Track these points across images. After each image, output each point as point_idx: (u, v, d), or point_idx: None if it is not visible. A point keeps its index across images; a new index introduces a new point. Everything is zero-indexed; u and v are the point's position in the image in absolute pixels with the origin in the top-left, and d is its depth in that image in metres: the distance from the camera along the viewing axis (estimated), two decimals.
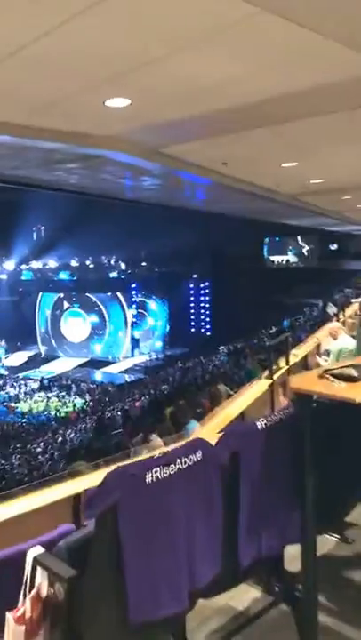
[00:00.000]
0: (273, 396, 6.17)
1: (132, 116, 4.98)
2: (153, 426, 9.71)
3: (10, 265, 39.43)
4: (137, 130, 5.95)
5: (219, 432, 2.53)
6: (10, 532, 3.07)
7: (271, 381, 6.10)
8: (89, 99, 4.35)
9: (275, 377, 6.13)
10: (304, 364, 7.82)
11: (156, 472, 1.94)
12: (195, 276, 38.49)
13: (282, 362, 6.99)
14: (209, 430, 4.63)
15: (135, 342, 38.59)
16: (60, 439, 22.26)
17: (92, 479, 4.01)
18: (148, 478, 1.92)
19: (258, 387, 6.22)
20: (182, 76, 3.96)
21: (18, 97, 4.34)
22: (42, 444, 22.38)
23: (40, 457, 19.83)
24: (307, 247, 34.08)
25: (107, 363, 37.39)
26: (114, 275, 40.27)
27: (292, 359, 7.25)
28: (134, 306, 38.60)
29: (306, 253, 34.13)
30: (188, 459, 2.06)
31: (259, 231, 31.51)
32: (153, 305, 39.76)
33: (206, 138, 6.05)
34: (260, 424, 2.40)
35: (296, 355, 7.75)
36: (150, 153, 7.17)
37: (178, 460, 2.03)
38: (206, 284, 38.42)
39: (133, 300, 38.49)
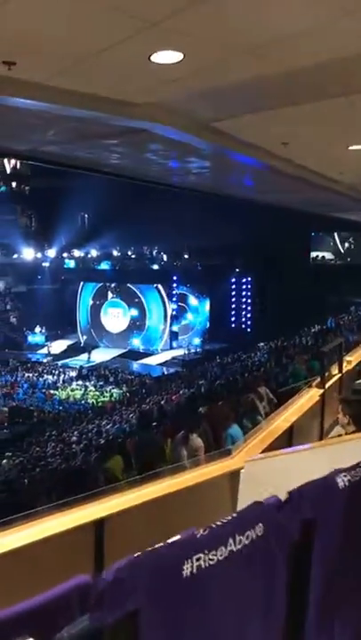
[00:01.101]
0: (323, 408, 5.47)
1: (182, 76, 4.18)
2: (188, 424, 9.12)
3: (52, 253, 39.38)
4: (187, 96, 5.17)
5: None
6: (20, 565, 2.51)
7: (322, 391, 5.40)
8: (131, 51, 3.53)
9: (326, 385, 5.43)
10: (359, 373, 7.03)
11: (198, 560, 1.27)
12: (237, 270, 37.59)
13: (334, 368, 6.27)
14: (254, 447, 3.98)
15: (174, 335, 38.03)
16: (95, 429, 21.94)
17: (120, 501, 3.39)
18: (186, 570, 1.25)
19: (308, 397, 5.53)
20: (249, 23, 3.16)
21: (44, 49, 3.56)
22: (77, 432, 22.14)
23: (74, 446, 19.52)
24: (347, 243, 33.01)
25: (145, 354, 36.98)
26: (155, 266, 39.73)
27: (346, 366, 6.50)
28: (175, 298, 37.97)
29: (346, 249, 33.05)
30: (244, 536, 1.39)
31: (305, 225, 30.37)
32: (193, 298, 39.08)
33: (268, 110, 5.24)
34: (342, 481, 1.68)
35: (350, 361, 6.98)
36: (200, 128, 6.41)
37: (230, 541, 1.35)
38: (248, 278, 37.45)
39: (174, 292, 37.87)
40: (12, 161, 34.79)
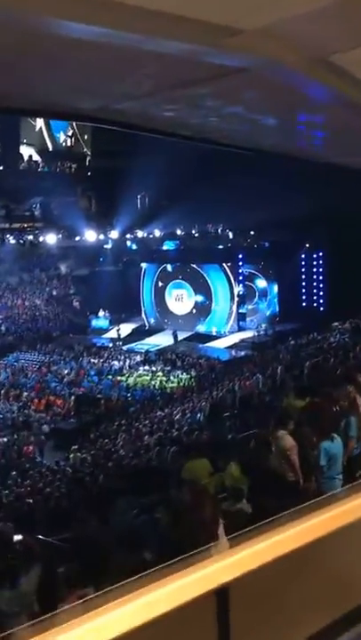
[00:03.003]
0: None
1: None
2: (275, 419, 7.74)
3: (114, 234, 38.52)
4: (306, 16, 3.76)
5: None
6: None
7: None
8: None
9: None
10: None
11: None
12: (307, 245, 35.54)
13: None
14: None
15: (242, 316, 36.48)
16: (166, 420, 20.94)
17: (246, 555, 2.19)
18: None
19: None
20: None
21: None
22: (147, 422, 21.24)
23: (146, 437, 18.56)
24: None
25: (212, 337, 35.68)
26: (220, 245, 38.12)
27: None
28: (241, 278, 36.32)
29: None
30: None
31: None
32: (261, 277, 37.36)
33: None
34: None
35: None
36: (313, 62, 4.92)
37: None
38: (320, 254, 35.34)
39: (240, 271, 36.20)
40: (70, 133, 33.98)
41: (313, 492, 6.46)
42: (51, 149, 34.40)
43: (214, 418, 15.64)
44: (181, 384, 28.02)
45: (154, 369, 30.68)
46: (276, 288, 36.96)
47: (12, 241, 34.47)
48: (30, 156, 32.08)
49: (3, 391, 27.19)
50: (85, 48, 4.10)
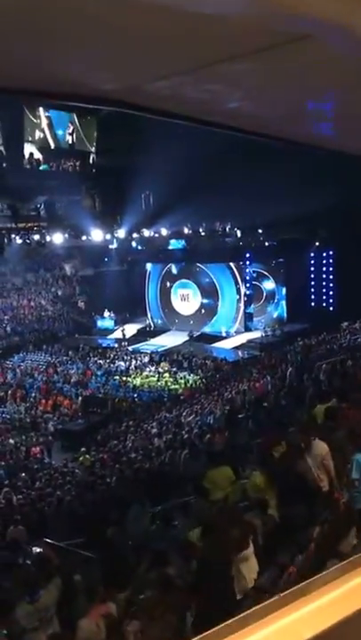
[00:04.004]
0: None
1: None
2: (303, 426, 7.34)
3: (120, 234, 38.10)
4: None
5: None
6: None
7: None
8: None
9: None
10: None
11: None
12: (317, 243, 35.08)
13: None
14: None
15: (249, 316, 36.05)
16: (175, 421, 20.54)
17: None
18: None
19: None
20: None
21: None
22: (156, 423, 20.85)
23: (156, 440, 18.17)
24: None
25: (218, 337, 35.25)
26: (227, 243, 37.63)
27: None
28: (248, 277, 35.88)
29: None
30: None
31: None
32: (269, 276, 36.91)
33: None
34: None
35: None
36: None
37: None
38: (330, 252, 34.87)
39: (248, 270, 35.76)
40: (71, 129, 33.47)
41: (345, 505, 6.10)
42: (53, 147, 33.97)
43: (233, 422, 15.18)
44: (188, 385, 27.64)
45: (160, 369, 30.33)
46: (284, 288, 36.53)
47: (19, 240, 34.02)
48: (31, 154, 31.63)
49: (10, 391, 26.84)
50: (120, 14, 3.63)
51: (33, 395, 26.61)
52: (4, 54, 4.01)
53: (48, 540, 9.39)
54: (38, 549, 7.92)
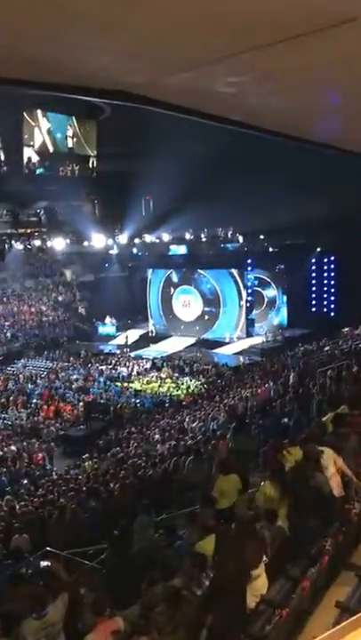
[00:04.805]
0: None
1: None
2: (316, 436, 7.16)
3: (122, 239, 38.05)
4: None
5: None
6: None
7: None
8: None
9: None
10: None
11: None
12: (318, 249, 35.05)
13: None
14: None
15: (250, 322, 35.99)
16: (177, 427, 20.41)
17: None
18: None
19: None
20: None
21: None
22: (158, 430, 20.72)
23: (159, 447, 18.03)
24: None
25: (220, 343, 35.17)
26: (229, 249, 37.59)
27: None
28: (250, 283, 35.85)
29: None
30: None
31: None
32: (270, 282, 36.85)
33: None
34: None
35: None
36: None
37: None
38: (332, 258, 34.85)
39: (249, 276, 35.73)
40: (71, 133, 33.29)
41: (358, 516, 5.97)
42: (52, 151, 33.83)
43: (237, 429, 15.01)
44: (189, 390, 27.52)
45: (162, 375, 30.23)
46: (285, 293, 36.47)
47: (19, 246, 33.93)
48: (30, 158, 31.51)
49: (12, 398, 26.70)
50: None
51: (34, 401, 26.47)
52: (19, 44, 3.50)
53: (53, 551, 9.24)
54: (45, 562, 7.77)
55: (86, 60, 4.09)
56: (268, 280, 36.83)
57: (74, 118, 32.77)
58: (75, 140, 33.78)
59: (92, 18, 3.25)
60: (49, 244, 35.47)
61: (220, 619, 4.24)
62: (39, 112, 30.27)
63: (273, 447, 7.34)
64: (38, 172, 32.19)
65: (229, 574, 4.48)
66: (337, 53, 3.93)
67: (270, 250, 36.42)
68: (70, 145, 34.37)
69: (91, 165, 36.29)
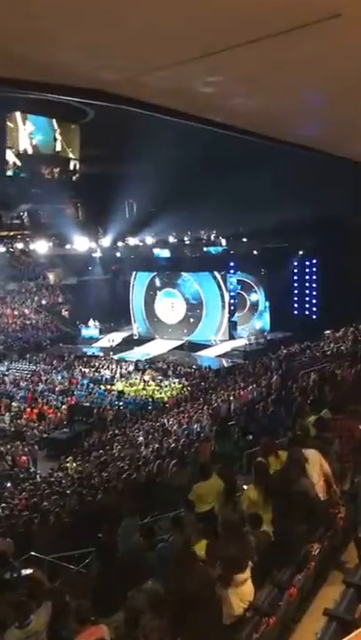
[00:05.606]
0: None
1: None
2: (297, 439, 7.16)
3: (105, 242, 38.06)
4: None
5: None
6: None
7: None
8: None
9: None
10: None
11: None
12: (300, 252, 35.37)
13: None
14: None
15: (233, 325, 36.22)
16: (161, 429, 20.52)
17: None
18: None
19: None
20: None
21: None
22: (142, 432, 20.81)
23: (143, 450, 18.11)
24: None
25: (203, 346, 35.33)
26: (212, 252, 37.78)
27: None
28: (232, 286, 36.07)
29: None
30: None
31: None
32: (253, 285, 37.13)
33: None
34: None
35: None
36: None
37: None
38: (314, 261, 35.17)
39: (232, 279, 35.96)
40: (53, 136, 33.22)
41: (346, 519, 5.95)
42: (32, 153, 33.65)
43: (220, 432, 15.10)
44: (173, 393, 27.62)
45: (145, 378, 30.31)
46: (268, 295, 36.72)
47: (1, 249, 33.80)
48: (11, 161, 31.37)
49: None
50: None
51: (17, 404, 26.37)
52: None
53: (37, 555, 9.23)
54: (29, 570, 7.66)
55: (59, 56, 3.90)
56: (251, 283, 37.09)
57: (55, 121, 32.75)
58: (57, 142, 33.74)
59: (66, 12, 3.13)
60: (32, 246, 35.39)
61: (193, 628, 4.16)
62: (20, 115, 30.20)
63: (264, 447, 7.16)
64: (21, 174, 32.10)
65: (200, 580, 4.47)
66: (320, 51, 3.84)
67: (253, 253, 36.65)
68: (53, 148, 34.32)
69: (73, 168, 36.27)
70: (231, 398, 21.76)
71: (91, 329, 37.89)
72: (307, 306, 36.17)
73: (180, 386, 28.74)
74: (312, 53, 3.87)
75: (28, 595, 5.96)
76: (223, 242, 37.95)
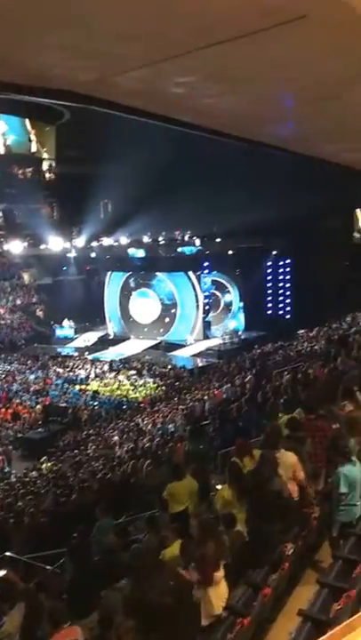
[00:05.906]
0: None
1: None
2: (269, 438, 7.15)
3: (79, 242, 37.91)
4: None
5: None
6: None
7: None
8: None
9: None
10: None
11: None
12: (274, 252, 35.71)
13: None
14: None
15: (207, 325, 36.38)
16: (135, 429, 20.55)
17: None
18: None
19: None
20: None
21: None
22: (116, 432, 20.81)
23: (117, 449, 18.12)
24: None
25: (177, 346, 35.41)
26: (186, 252, 37.90)
27: None
28: (207, 286, 36.24)
29: None
30: None
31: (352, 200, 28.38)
32: (227, 285, 37.36)
33: None
34: None
35: None
36: None
37: None
38: (287, 261, 35.56)
39: (206, 279, 36.13)
40: (27, 136, 32.97)
41: (320, 519, 5.99)
42: (8, 154, 33.39)
43: (194, 431, 15.16)
44: (147, 393, 27.67)
45: (120, 377, 30.29)
46: (242, 295, 36.99)
47: None
48: None
49: None
50: None
51: None
52: None
53: (12, 555, 9.20)
54: (1, 572, 7.54)
55: (31, 57, 3.89)
56: (225, 283, 37.31)
57: (30, 122, 32.56)
58: (32, 143, 33.58)
59: (38, 14, 3.10)
60: (6, 246, 35.10)
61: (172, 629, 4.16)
62: None
63: (238, 448, 7.08)
64: None
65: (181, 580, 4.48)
66: (287, 52, 3.92)
67: (227, 253, 36.88)
68: (28, 148, 34.16)
69: (49, 168, 36.13)
70: (205, 398, 21.87)
71: (65, 329, 37.72)
72: (280, 306, 36.55)
73: (155, 385, 28.80)
74: (281, 54, 4.01)
75: (0, 596, 5.90)
76: (198, 242, 38.11)
